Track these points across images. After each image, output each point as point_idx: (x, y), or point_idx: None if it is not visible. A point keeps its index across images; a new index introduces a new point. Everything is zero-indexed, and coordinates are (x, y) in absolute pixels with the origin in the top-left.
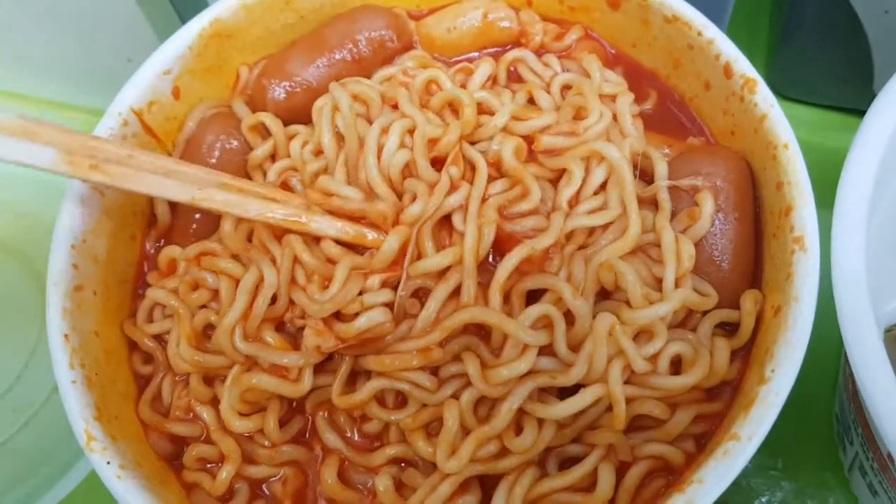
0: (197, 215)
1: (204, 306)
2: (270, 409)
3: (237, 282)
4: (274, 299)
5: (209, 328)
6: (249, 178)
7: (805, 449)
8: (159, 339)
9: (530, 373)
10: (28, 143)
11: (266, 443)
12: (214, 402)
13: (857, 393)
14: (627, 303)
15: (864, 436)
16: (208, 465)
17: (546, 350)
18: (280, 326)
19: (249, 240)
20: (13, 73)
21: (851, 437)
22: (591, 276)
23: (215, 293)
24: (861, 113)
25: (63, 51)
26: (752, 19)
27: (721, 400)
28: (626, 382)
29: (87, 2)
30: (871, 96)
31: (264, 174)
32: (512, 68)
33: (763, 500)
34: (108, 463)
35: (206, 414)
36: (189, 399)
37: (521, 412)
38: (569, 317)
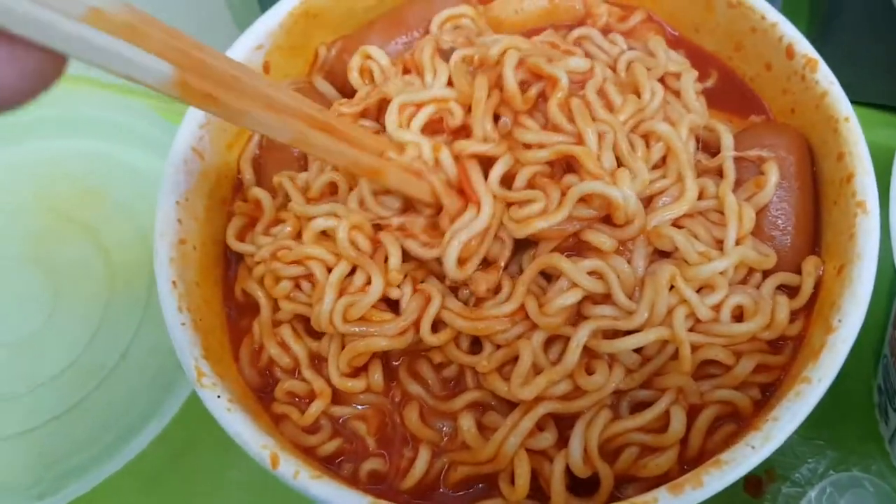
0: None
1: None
2: (374, 365)
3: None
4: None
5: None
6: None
7: (847, 422)
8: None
9: (593, 317)
10: (139, 52)
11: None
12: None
13: None
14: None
15: None
16: (296, 399)
17: (607, 300)
18: None
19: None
20: None
21: None
22: (642, 240)
23: (296, 283)
24: None
25: None
26: (790, 17)
27: (784, 354)
28: (691, 330)
29: None
30: None
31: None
32: (578, 46)
33: (809, 465)
34: (219, 397)
35: (299, 351)
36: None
37: (590, 357)
38: None
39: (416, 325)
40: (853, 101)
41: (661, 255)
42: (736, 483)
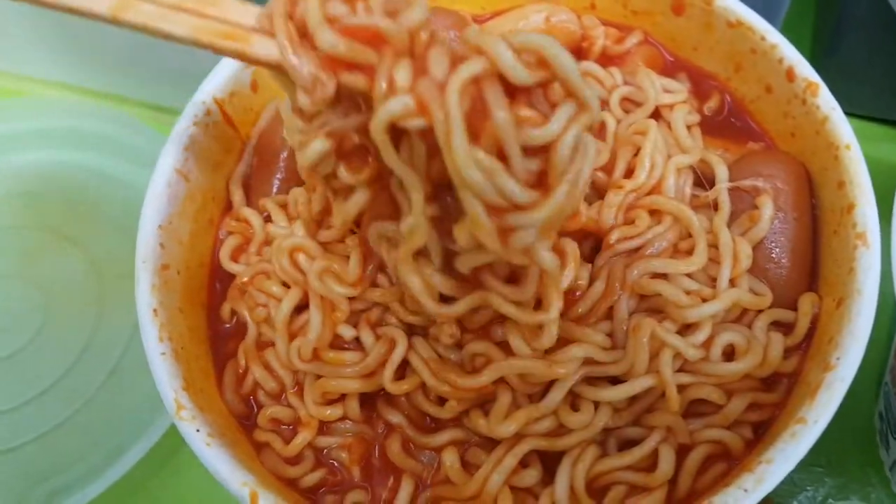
0: (268, 204)
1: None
2: (351, 396)
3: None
4: None
5: None
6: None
7: (847, 448)
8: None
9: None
10: None
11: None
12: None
13: None
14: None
15: None
16: (280, 427)
17: None
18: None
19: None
20: (63, 64)
21: None
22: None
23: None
24: None
25: (117, 43)
26: (794, 32)
27: (778, 392)
28: (680, 370)
29: None
30: None
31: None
32: None
33: (808, 494)
34: (198, 430)
35: (285, 375)
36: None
37: (575, 397)
38: None
39: (384, 366)
40: (858, 116)
41: None
42: None
